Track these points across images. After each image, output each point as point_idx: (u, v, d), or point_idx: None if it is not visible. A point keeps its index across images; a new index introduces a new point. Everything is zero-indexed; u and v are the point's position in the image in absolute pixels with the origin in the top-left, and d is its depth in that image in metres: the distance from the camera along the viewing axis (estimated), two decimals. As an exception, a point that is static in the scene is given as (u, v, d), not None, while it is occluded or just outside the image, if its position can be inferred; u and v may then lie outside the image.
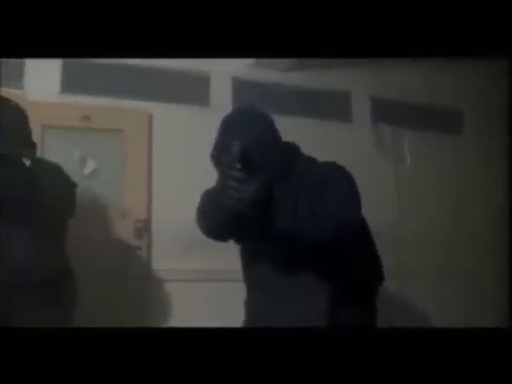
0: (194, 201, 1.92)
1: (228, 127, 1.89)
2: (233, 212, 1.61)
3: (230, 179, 1.51)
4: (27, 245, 2.10)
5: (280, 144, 1.94)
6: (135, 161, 3.53)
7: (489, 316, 3.57)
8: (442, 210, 4.25)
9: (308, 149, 2.04)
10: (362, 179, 1.90)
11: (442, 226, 4.22)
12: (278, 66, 3.93)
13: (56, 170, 2.25)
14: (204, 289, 3.48)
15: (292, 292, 1.86)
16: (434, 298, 3.93)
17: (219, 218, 1.75)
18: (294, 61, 3.79)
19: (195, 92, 3.81)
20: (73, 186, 2.28)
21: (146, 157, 3.56)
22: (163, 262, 3.47)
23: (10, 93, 2.39)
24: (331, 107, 4.18)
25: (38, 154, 2.34)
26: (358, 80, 4.26)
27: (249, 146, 1.57)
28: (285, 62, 3.83)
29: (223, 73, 3.87)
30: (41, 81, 3.41)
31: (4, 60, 2.80)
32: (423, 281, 4.00)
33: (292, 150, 2.00)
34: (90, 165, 3.43)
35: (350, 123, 4.23)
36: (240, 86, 3.92)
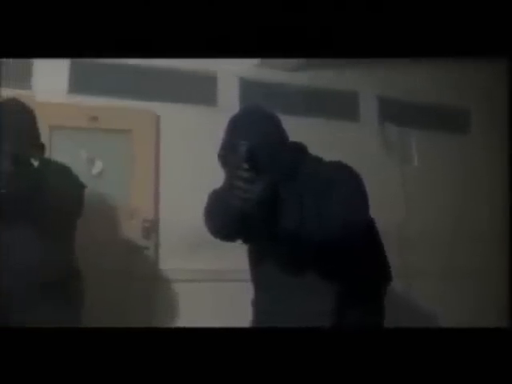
0: (201, 201, 1.93)
1: (235, 127, 1.89)
2: (240, 212, 1.61)
3: (237, 179, 1.52)
4: (35, 245, 2.11)
5: (287, 144, 1.94)
6: (143, 161, 3.53)
7: (494, 316, 3.55)
8: (449, 210, 4.24)
9: (315, 149, 2.03)
10: (368, 179, 1.90)
11: (448, 226, 4.21)
12: (286, 66, 3.93)
13: (64, 171, 2.26)
14: (210, 289, 3.48)
15: (299, 292, 1.86)
16: (440, 298, 3.92)
17: (226, 218, 1.75)
18: (301, 61, 3.78)
19: (202, 92, 3.81)
20: (81, 186, 2.29)
21: (154, 157, 3.57)
22: (170, 262, 3.48)
23: (18, 93, 2.40)
24: (338, 107, 4.18)
25: (46, 154, 2.34)
26: (365, 80, 4.25)
27: (256, 146, 1.57)
28: (292, 61, 3.83)
29: (230, 73, 3.87)
30: (49, 81, 3.43)
31: (12, 61, 2.82)
32: (429, 281, 3.99)
33: (299, 149, 2.00)
34: (98, 165, 3.44)
35: (357, 123, 4.23)
36: (247, 86, 3.92)
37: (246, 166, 1.52)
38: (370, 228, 1.98)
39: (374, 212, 1.90)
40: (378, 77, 4.26)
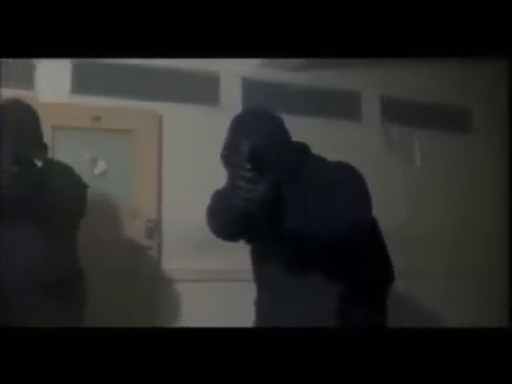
0: (204, 201, 1.93)
1: (238, 127, 1.89)
2: (243, 212, 1.61)
3: (239, 179, 1.51)
4: (38, 245, 2.11)
5: (290, 144, 1.94)
6: (145, 161, 3.54)
7: (497, 315, 3.54)
8: (451, 210, 4.24)
9: (317, 148, 2.03)
10: (371, 179, 1.90)
11: (451, 226, 4.21)
12: (288, 66, 3.93)
13: (67, 171, 2.26)
14: (214, 289, 3.48)
15: (302, 292, 1.86)
16: (442, 298, 3.92)
17: (229, 218, 1.75)
18: (303, 61, 3.78)
19: (205, 92, 3.81)
20: (84, 186, 2.29)
21: (156, 157, 3.57)
22: (173, 262, 3.48)
23: (20, 94, 2.41)
24: (341, 107, 4.18)
25: (49, 154, 2.34)
26: (367, 80, 4.25)
27: (259, 146, 1.57)
28: (294, 61, 3.82)
29: (233, 73, 3.87)
30: (51, 82, 3.43)
31: (14, 61, 2.83)
32: (431, 281, 3.99)
33: (302, 149, 1.99)
34: (101, 165, 3.45)
35: (359, 123, 4.23)
36: (250, 86, 3.92)
37: (248, 166, 1.51)
38: (373, 228, 1.98)
39: (376, 212, 1.90)
40: (380, 77, 4.26)
